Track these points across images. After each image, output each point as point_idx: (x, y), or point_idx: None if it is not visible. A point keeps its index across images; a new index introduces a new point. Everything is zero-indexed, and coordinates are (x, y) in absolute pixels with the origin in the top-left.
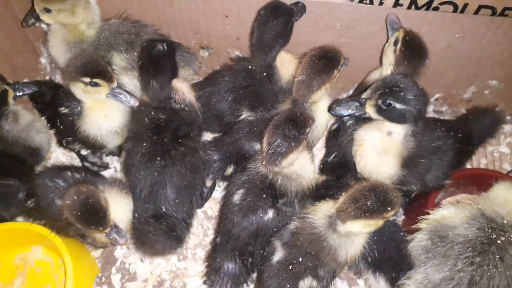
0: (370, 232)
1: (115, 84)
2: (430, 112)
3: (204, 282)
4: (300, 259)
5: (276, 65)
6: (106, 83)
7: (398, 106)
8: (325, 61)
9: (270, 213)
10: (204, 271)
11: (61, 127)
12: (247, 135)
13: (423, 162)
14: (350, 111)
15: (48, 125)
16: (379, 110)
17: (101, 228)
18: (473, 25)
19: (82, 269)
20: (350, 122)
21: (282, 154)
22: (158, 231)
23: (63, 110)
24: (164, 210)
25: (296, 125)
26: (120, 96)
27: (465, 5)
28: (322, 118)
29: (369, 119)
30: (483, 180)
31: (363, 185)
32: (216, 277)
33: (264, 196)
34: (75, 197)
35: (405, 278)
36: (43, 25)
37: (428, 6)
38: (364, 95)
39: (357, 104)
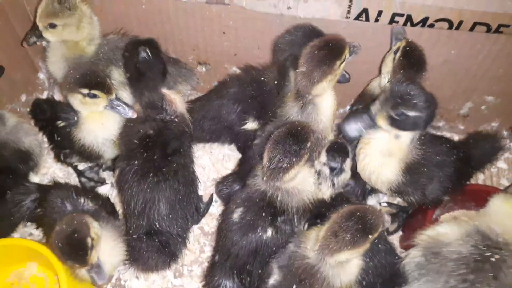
0: (363, 256)
1: (113, 96)
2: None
3: None
4: (294, 287)
5: (290, 81)
6: (105, 95)
7: (411, 114)
8: (325, 52)
9: (269, 232)
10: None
11: (59, 139)
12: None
13: (425, 172)
14: (360, 126)
15: (48, 141)
16: (392, 121)
17: (77, 265)
18: (468, 41)
19: (76, 285)
20: None
21: (283, 169)
22: (151, 248)
23: (61, 123)
24: (157, 226)
25: (297, 140)
26: (118, 108)
27: (460, 22)
28: (327, 112)
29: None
30: (481, 196)
31: (341, 214)
32: None
33: (263, 214)
34: (64, 226)
35: None
36: (43, 42)
37: (423, 23)
38: (373, 109)
39: (367, 118)
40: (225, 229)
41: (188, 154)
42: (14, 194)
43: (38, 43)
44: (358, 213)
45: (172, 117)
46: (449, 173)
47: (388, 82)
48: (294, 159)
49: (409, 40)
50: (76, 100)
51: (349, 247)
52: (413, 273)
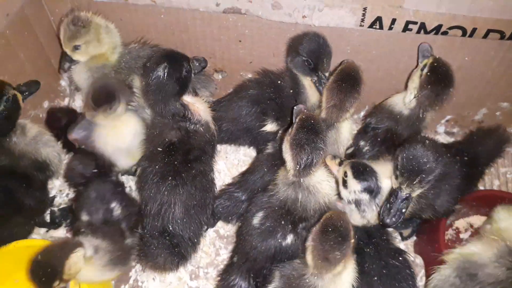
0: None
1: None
2: (442, 134)
3: None
4: None
5: (305, 87)
6: (123, 106)
7: (436, 173)
8: (352, 81)
9: (289, 239)
10: (216, 285)
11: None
12: (271, 168)
13: (432, 191)
14: (404, 211)
15: (65, 150)
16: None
17: None
18: (482, 48)
19: (96, 286)
20: (366, 148)
21: (315, 163)
22: (161, 245)
23: None
24: (171, 228)
25: (315, 132)
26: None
27: (474, 30)
28: (345, 135)
29: (385, 146)
30: (496, 202)
31: (316, 239)
32: None
33: (283, 222)
34: (44, 249)
35: None
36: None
37: (437, 30)
38: (404, 191)
39: (404, 202)
40: (245, 233)
41: (209, 162)
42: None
43: (73, 66)
44: (329, 228)
45: (197, 125)
46: (455, 183)
47: (414, 97)
48: (322, 152)
49: (437, 57)
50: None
51: (342, 260)
52: None
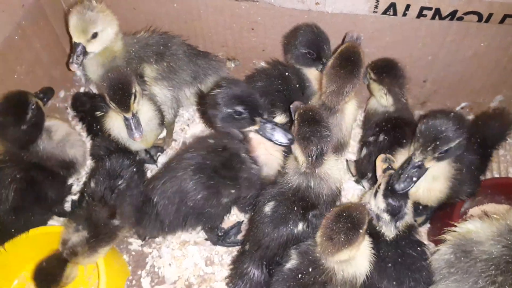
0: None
1: (129, 115)
2: None
3: (227, 284)
4: (310, 270)
5: (310, 80)
6: (120, 112)
7: (452, 145)
8: (350, 67)
9: (300, 226)
10: (229, 274)
11: (97, 127)
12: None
13: (462, 176)
14: (415, 179)
15: (86, 131)
16: (439, 158)
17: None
18: (498, 34)
19: (114, 271)
20: (382, 137)
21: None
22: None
23: (99, 114)
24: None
25: (321, 124)
26: (127, 125)
27: (490, 15)
28: (349, 116)
29: (402, 141)
30: (511, 190)
31: (329, 219)
32: (239, 281)
33: (295, 208)
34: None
35: None
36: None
37: (452, 16)
38: (417, 158)
39: (416, 170)
40: (258, 221)
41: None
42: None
43: (85, 60)
44: (344, 213)
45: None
46: (476, 163)
47: (386, 94)
48: (328, 140)
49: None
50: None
51: (346, 246)
52: (442, 271)
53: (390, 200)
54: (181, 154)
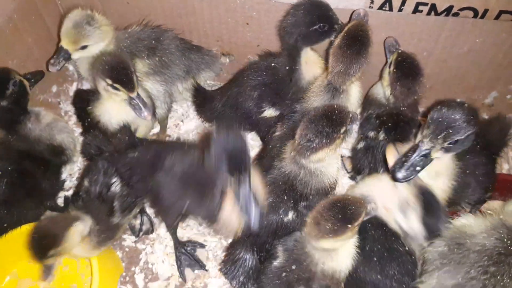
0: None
1: (135, 94)
2: None
3: (220, 270)
4: (294, 267)
5: (300, 62)
6: (126, 92)
7: (462, 136)
8: (358, 47)
9: (290, 215)
10: (222, 259)
11: (89, 120)
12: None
13: (468, 176)
14: (418, 169)
15: (82, 128)
16: (447, 150)
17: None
18: (494, 30)
19: (107, 268)
20: (382, 136)
21: (312, 149)
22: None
23: (89, 108)
24: None
25: (331, 123)
26: (135, 106)
27: (485, 11)
28: (354, 97)
29: (403, 136)
30: (505, 186)
31: (324, 204)
32: (232, 267)
33: (285, 198)
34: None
35: (419, 282)
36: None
37: (447, 12)
38: (425, 145)
39: (422, 159)
40: None
41: None
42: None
43: (66, 65)
44: (339, 204)
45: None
46: (484, 171)
47: (390, 94)
48: (324, 141)
49: (400, 51)
50: (100, 85)
51: (330, 235)
52: (435, 262)
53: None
54: None
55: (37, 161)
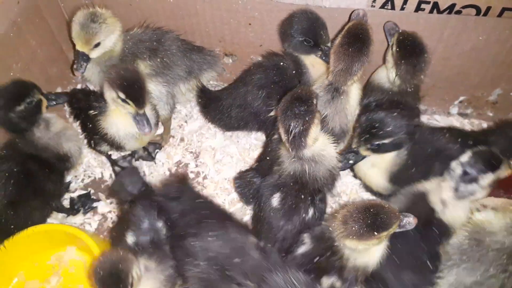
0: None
1: (142, 111)
2: (455, 115)
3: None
4: (329, 254)
5: (307, 66)
6: (134, 108)
7: (386, 141)
8: (359, 45)
9: (311, 212)
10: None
11: (90, 125)
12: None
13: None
14: (351, 162)
15: (81, 129)
16: (374, 151)
17: None
18: (497, 28)
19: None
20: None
21: (303, 132)
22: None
23: (93, 112)
24: None
25: (302, 101)
26: (138, 122)
27: (488, 8)
28: (354, 99)
29: None
30: (510, 183)
31: (357, 205)
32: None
33: (302, 196)
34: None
35: (438, 277)
36: None
37: (450, 10)
38: (353, 144)
39: (353, 154)
40: (267, 217)
41: None
42: None
43: (88, 66)
44: (372, 209)
45: None
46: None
47: (396, 75)
48: (307, 118)
49: (400, 31)
50: (109, 94)
51: (354, 237)
52: (454, 256)
53: (475, 158)
54: None
55: (41, 162)
